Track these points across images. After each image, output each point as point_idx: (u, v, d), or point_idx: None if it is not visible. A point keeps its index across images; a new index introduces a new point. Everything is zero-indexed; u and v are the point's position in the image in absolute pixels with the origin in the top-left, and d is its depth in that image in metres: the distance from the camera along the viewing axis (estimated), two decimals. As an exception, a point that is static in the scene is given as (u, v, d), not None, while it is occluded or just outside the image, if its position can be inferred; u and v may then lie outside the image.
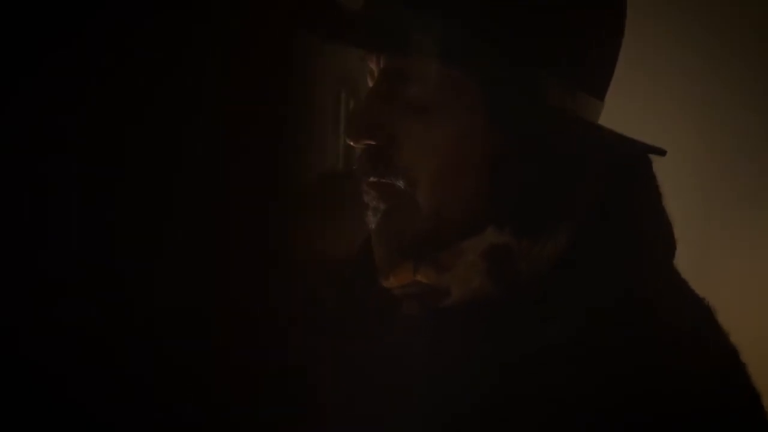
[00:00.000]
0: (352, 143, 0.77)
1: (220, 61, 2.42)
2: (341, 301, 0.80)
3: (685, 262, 0.80)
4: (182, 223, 2.33)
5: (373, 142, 0.76)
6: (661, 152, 0.76)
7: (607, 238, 0.74)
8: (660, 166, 0.79)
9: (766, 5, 1.74)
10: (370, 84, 0.78)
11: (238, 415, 0.84)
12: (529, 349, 0.71)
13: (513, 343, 0.71)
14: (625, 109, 0.96)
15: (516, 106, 0.73)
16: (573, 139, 0.75)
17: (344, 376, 0.77)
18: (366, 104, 0.76)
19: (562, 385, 0.69)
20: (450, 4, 0.73)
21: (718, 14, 1.76)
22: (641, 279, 0.74)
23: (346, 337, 0.78)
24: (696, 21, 1.76)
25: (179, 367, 2.07)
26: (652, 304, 0.73)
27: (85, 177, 2.27)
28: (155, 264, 2.17)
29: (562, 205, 0.75)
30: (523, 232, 0.74)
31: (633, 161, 0.78)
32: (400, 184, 0.75)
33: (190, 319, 2.27)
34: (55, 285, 2.07)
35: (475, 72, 0.73)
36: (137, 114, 2.18)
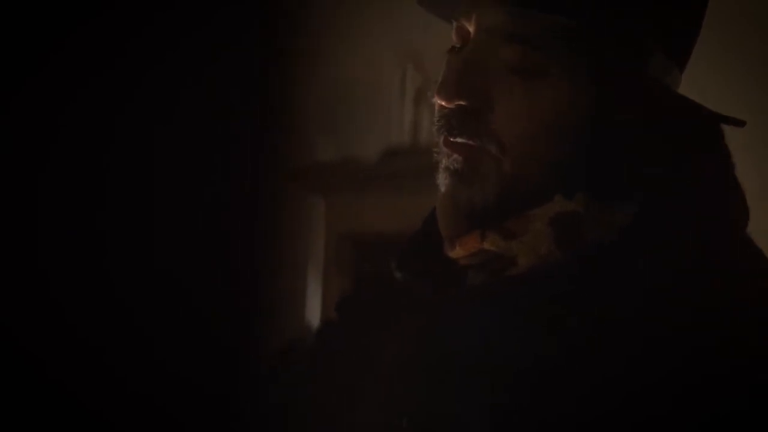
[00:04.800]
0: (443, 103, 0.74)
1: (282, 37, 2.43)
2: (406, 274, 0.79)
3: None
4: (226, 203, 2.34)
5: (466, 103, 0.74)
6: (741, 123, 0.75)
7: (680, 205, 0.74)
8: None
9: (766, 5, 1.74)
10: (456, 41, 0.76)
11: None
12: (597, 318, 0.70)
13: (582, 310, 0.70)
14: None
15: (618, 73, 0.73)
16: (660, 109, 0.74)
17: (411, 347, 0.75)
18: (462, 64, 0.74)
19: (635, 355, 0.68)
20: None
21: (718, 14, 1.76)
22: (715, 246, 0.73)
23: (412, 308, 0.77)
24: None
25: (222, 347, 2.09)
26: (727, 271, 0.72)
27: (88, 173, 2.27)
28: (201, 240, 2.20)
29: (634, 172, 0.74)
30: (592, 200, 0.73)
31: (706, 131, 0.77)
32: (491, 148, 0.74)
33: (226, 299, 2.28)
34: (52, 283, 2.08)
35: (583, 32, 0.71)
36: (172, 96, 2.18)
